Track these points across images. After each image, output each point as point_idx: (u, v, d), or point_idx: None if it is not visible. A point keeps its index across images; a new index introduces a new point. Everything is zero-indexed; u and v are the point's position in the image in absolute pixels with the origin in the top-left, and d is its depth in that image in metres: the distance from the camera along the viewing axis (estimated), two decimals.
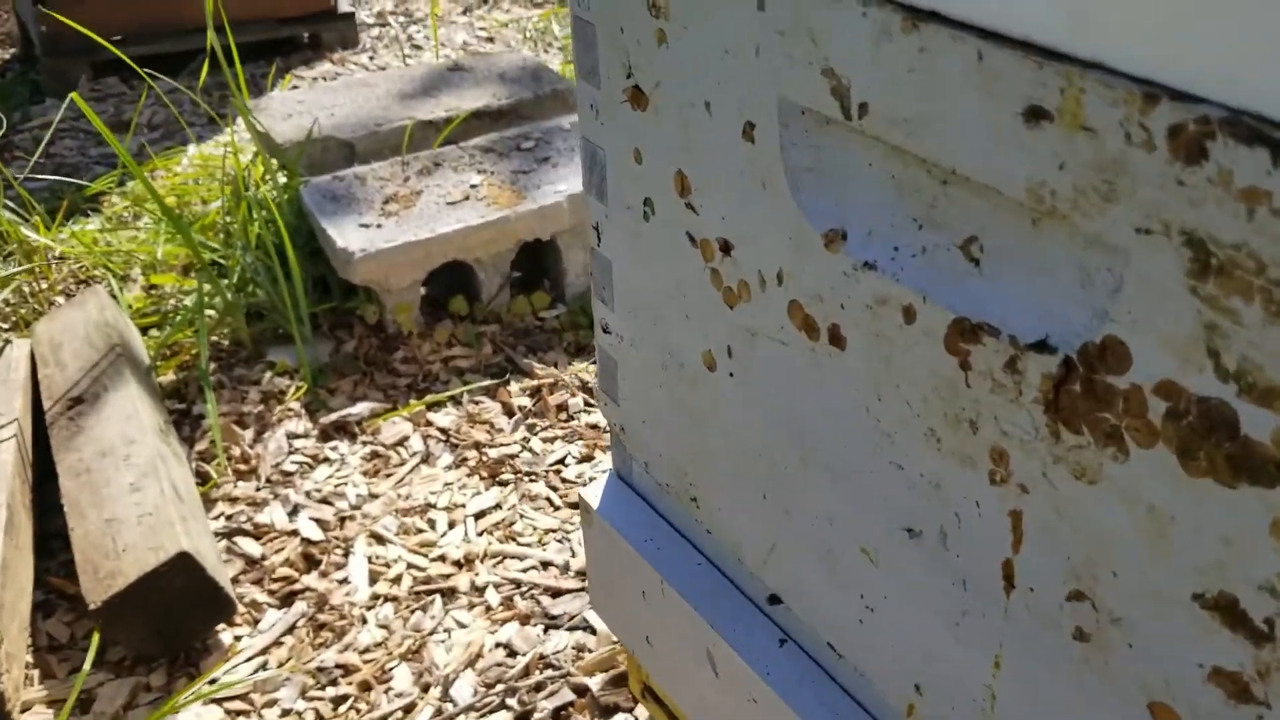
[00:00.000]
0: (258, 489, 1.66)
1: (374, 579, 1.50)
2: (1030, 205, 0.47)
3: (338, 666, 1.38)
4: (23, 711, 1.34)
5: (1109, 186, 0.44)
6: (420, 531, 1.58)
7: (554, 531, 1.59)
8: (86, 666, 1.34)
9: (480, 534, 1.57)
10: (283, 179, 2.05)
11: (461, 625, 1.43)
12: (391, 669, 1.37)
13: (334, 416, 1.76)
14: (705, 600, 0.80)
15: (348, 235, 1.83)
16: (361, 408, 1.78)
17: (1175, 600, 0.47)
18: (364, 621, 1.44)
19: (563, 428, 1.78)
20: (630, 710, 1.28)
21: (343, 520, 1.60)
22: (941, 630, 0.61)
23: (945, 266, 0.54)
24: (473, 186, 1.94)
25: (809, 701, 0.72)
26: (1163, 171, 0.42)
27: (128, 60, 2.10)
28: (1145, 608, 0.48)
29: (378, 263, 1.81)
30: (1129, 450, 0.47)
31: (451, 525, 1.59)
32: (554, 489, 1.67)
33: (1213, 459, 0.44)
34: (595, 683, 1.32)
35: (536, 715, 1.29)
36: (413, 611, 1.45)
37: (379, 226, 1.85)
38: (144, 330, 1.97)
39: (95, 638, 1.36)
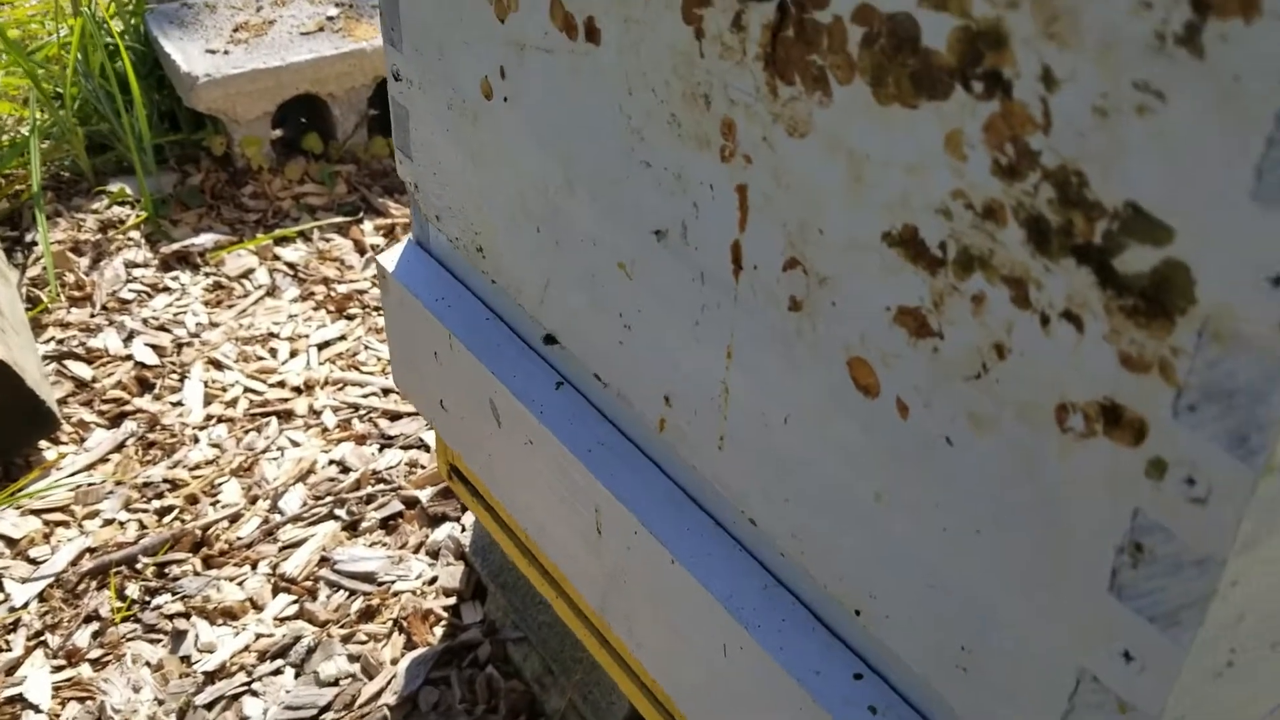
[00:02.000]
0: (92, 315, 1.60)
1: (209, 401, 1.47)
2: None
3: (165, 481, 1.35)
4: None
5: None
6: (260, 359, 1.55)
7: None
8: None
9: (323, 363, 1.54)
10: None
11: (295, 444, 1.41)
12: (221, 484, 1.35)
13: (176, 246, 1.70)
14: (489, 351, 0.80)
15: (193, 60, 1.75)
16: (205, 239, 1.72)
17: (868, 245, 0.47)
18: (195, 440, 1.41)
19: None
20: (458, 519, 1.28)
21: (180, 347, 1.56)
22: (685, 332, 0.61)
23: None
24: (329, 18, 1.87)
25: (578, 434, 0.73)
26: None
27: None
28: (845, 260, 0.49)
29: (224, 90, 1.73)
30: (832, 91, 0.47)
31: (294, 354, 1.56)
32: None
33: (899, 81, 0.44)
34: (426, 495, 1.32)
35: (364, 525, 1.29)
36: (247, 432, 1.43)
37: (226, 53, 1.77)
38: None
39: None
